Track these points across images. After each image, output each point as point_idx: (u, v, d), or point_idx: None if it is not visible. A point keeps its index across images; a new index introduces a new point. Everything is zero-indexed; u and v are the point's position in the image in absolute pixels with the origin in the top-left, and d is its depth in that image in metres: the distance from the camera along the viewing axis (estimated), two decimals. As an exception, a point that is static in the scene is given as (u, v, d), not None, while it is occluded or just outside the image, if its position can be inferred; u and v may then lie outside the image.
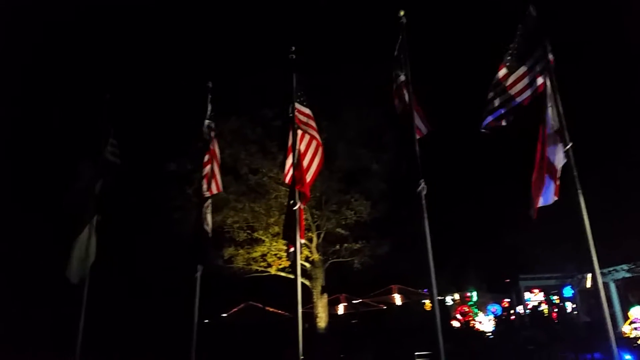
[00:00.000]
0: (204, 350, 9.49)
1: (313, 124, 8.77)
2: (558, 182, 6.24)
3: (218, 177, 9.95)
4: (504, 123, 6.61)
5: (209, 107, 10.36)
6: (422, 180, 6.77)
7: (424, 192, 6.79)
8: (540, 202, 6.24)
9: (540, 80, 6.59)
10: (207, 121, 10.19)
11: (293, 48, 9.08)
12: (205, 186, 9.73)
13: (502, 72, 6.66)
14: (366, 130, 17.00)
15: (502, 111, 6.58)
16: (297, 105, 8.73)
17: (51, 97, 22.76)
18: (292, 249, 7.99)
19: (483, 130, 6.64)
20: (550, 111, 6.42)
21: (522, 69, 6.66)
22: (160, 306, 19.07)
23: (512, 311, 28.38)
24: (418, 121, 7.35)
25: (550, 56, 6.60)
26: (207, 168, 9.86)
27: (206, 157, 9.92)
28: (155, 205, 16.63)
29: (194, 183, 15.26)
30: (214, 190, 9.86)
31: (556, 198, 6.29)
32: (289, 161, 8.48)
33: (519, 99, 6.58)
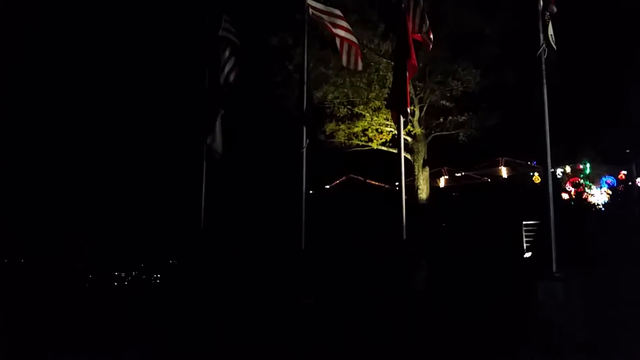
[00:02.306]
0: (311, 217, 10.25)
1: None
2: None
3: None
4: None
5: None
6: (542, 42, 6.14)
7: (544, 56, 6.20)
8: None
9: None
10: None
11: None
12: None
13: None
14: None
15: None
16: None
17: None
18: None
19: None
20: None
21: None
22: (269, 179, 20.30)
23: (629, 183, 26.51)
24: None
25: None
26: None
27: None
28: (259, 81, 16.95)
29: (294, 58, 15.25)
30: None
31: None
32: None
33: None
